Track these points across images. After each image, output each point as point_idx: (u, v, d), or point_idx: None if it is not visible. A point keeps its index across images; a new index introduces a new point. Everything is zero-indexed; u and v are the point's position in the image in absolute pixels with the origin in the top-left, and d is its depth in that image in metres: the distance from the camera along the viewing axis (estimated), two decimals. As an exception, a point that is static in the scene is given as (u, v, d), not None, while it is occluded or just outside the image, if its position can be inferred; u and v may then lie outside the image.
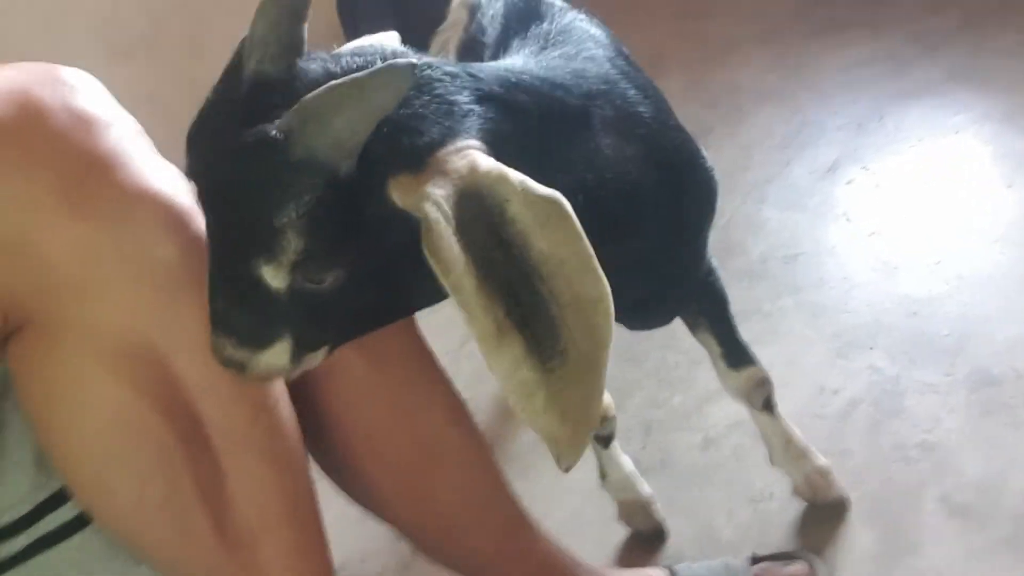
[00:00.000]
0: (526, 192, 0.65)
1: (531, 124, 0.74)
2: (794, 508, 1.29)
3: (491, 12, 0.98)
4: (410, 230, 0.66)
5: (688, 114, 1.01)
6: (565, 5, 0.95)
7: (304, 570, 0.86)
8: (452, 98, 0.71)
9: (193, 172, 0.72)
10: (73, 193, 0.74)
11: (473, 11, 1.02)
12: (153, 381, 0.78)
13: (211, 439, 0.81)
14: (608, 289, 0.65)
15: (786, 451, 1.25)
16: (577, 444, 0.68)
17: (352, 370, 0.94)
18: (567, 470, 0.68)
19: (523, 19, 0.90)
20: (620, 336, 1.66)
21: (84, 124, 0.75)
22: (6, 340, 0.78)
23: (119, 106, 0.81)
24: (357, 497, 1.03)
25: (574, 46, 0.84)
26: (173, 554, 0.83)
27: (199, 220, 0.78)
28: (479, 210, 0.65)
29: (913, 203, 1.72)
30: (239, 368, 0.75)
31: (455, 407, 1.03)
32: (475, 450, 1.04)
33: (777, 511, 1.30)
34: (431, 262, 0.64)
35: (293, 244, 0.66)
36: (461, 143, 0.68)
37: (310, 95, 0.63)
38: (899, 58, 2.07)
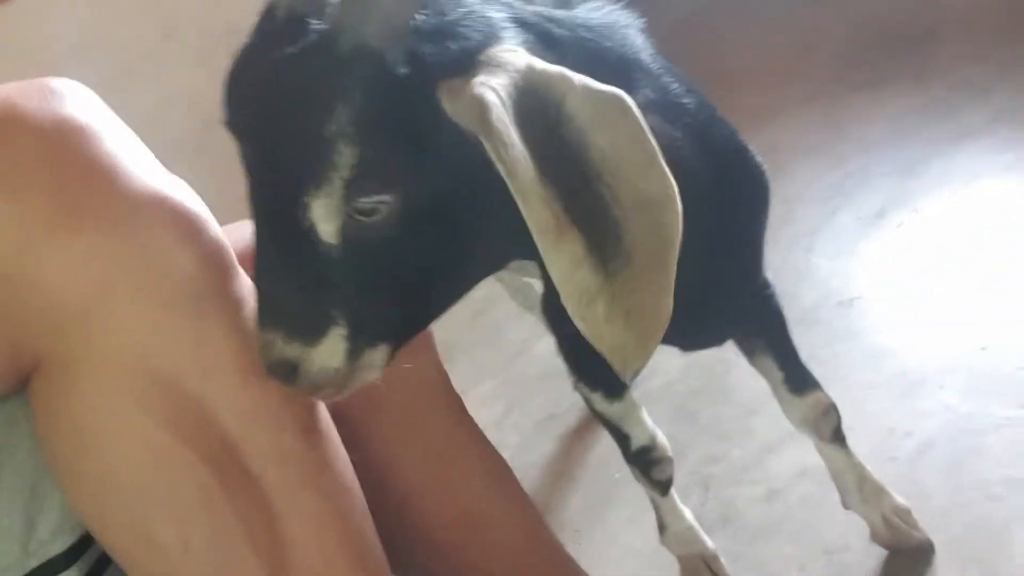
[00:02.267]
0: (586, 87, 0.62)
1: (566, 58, 0.69)
2: (874, 557, 1.18)
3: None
4: (462, 164, 0.64)
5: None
6: None
7: None
8: (488, 14, 0.68)
9: (233, 113, 0.68)
10: (70, 206, 0.66)
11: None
12: (186, 413, 0.69)
13: (257, 474, 0.72)
14: (675, 186, 0.62)
15: (860, 490, 1.15)
16: (645, 347, 0.64)
17: (386, 426, 0.88)
18: (634, 377, 0.65)
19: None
20: (671, 393, 1.63)
21: (76, 132, 0.68)
22: (23, 379, 0.70)
23: (115, 116, 0.74)
24: None
25: (606, 12, 0.81)
26: None
27: (215, 226, 0.72)
28: (535, 106, 0.62)
29: (969, 240, 1.65)
30: (289, 372, 0.68)
31: (496, 469, 0.97)
32: (521, 516, 0.97)
33: (855, 562, 1.20)
34: (488, 148, 0.60)
35: (345, 156, 0.62)
36: (509, 45, 0.66)
37: None
38: (942, 105, 2.03)
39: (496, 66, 0.64)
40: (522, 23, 0.71)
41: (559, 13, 0.75)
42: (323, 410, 0.78)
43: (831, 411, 1.10)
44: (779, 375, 1.08)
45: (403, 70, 0.63)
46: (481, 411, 1.87)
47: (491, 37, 0.67)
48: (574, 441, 1.68)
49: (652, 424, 1.14)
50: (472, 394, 1.92)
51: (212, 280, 0.70)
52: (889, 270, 1.68)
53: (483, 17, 0.68)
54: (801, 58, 2.47)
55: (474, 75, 0.63)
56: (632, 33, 0.81)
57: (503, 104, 0.61)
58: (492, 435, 1.77)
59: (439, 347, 1.86)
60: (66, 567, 0.74)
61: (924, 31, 2.30)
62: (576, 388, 1.13)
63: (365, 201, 0.64)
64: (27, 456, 0.73)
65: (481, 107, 0.61)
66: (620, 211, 0.61)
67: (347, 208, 0.65)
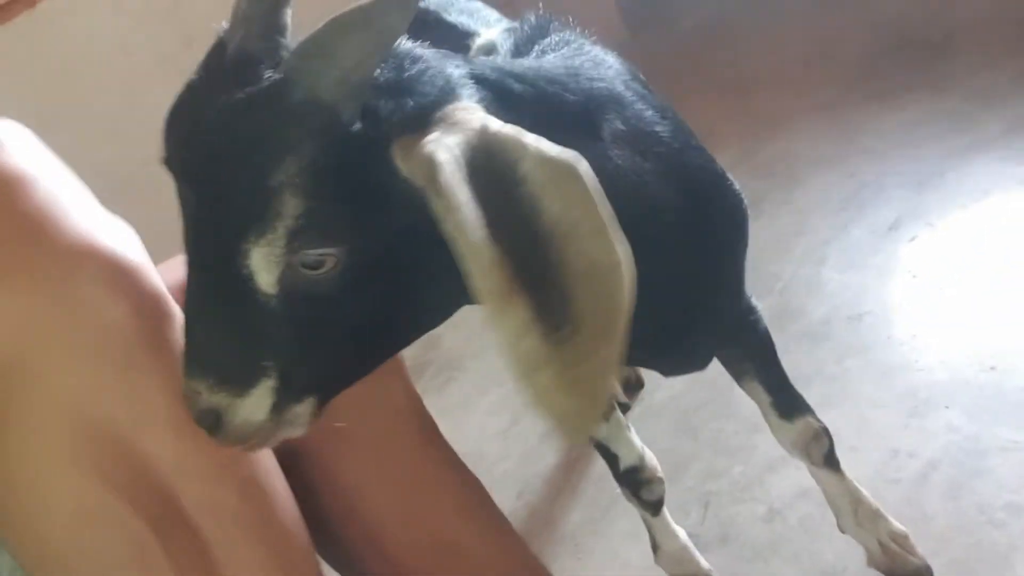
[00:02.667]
0: (539, 152, 0.60)
1: (524, 113, 0.69)
2: (871, 582, 1.17)
3: (504, 48, 0.95)
4: (413, 222, 0.62)
5: (740, 184, 0.97)
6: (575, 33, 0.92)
7: None
8: (446, 71, 0.68)
9: (173, 152, 0.66)
10: (1, 262, 0.66)
11: (489, 52, 1.00)
12: (119, 465, 0.69)
13: (195, 525, 0.72)
14: (624, 255, 0.59)
15: (855, 514, 1.14)
16: (587, 420, 0.61)
17: (354, 455, 0.86)
18: (572, 447, 0.61)
19: (529, 41, 0.87)
20: (674, 407, 1.62)
21: (7, 184, 0.67)
22: None
23: (52, 157, 0.72)
24: None
25: (573, 51, 0.80)
26: None
27: (151, 275, 0.71)
28: (488, 166, 0.60)
29: (982, 255, 1.62)
30: (214, 422, 0.67)
31: (469, 494, 0.94)
32: (496, 542, 0.94)
33: (852, 586, 1.19)
34: (437, 208, 0.59)
35: (291, 206, 0.61)
36: (465, 103, 0.65)
37: (310, 34, 0.60)
38: (957, 116, 1.99)
39: (451, 124, 0.63)
40: (481, 80, 0.70)
41: (520, 66, 0.74)
42: (264, 455, 0.77)
43: (821, 436, 1.08)
44: (767, 400, 1.07)
45: (357, 125, 0.62)
46: (488, 421, 1.87)
47: (448, 94, 0.66)
48: (576, 454, 1.67)
49: (641, 444, 1.13)
50: (481, 403, 1.92)
51: (146, 331, 0.70)
52: (900, 284, 1.65)
53: (441, 74, 0.67)
54: (816, 66, 2.44)
55: (429, 133, 0.62)
56: (604, 65, 0.80)
57: (456, 163, 0.60)
58: (497, 446, 1.78)
59: (449, 354, 1.85)
60: None
61: (940, 40, 2.27)
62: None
63: (310, 253, 0.63)
64: None
65: (432, 166, 0.60)
66: (569, 278, 0.60)
67: (290, 259, 0.63)
